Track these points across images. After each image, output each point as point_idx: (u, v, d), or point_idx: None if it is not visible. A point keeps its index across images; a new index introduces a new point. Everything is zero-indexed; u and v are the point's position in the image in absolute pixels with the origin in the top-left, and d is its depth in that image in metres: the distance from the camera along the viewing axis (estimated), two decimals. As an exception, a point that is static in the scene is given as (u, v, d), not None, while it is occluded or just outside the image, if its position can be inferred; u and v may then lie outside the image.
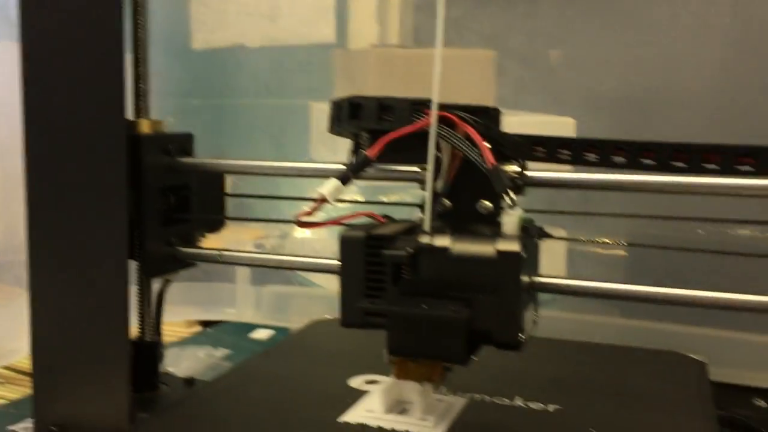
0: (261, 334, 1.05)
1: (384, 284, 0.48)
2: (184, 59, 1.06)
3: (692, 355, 0.67)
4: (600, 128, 0.85)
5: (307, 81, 1.01)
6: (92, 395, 0.58)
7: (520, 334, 0.46)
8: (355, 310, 0.48)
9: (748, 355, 0.80)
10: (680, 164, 0.53)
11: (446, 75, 0.93)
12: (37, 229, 0.58)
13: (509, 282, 0.45)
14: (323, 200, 0.48)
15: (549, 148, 0.57)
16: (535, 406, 0.55)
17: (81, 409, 0.58)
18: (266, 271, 1.07)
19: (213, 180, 0.67)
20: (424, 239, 0.47)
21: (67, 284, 0.57)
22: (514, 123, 0.55)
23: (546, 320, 0.90)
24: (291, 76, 1.01)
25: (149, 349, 0.65)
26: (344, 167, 0.51)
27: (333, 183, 0.48)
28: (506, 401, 0.56)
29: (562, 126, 0.86)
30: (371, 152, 0.49)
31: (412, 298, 0.46)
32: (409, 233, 0.48)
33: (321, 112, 0.54)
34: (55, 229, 0.57)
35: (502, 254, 0.45)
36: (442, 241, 0.47)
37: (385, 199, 0.61)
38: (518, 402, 0.56)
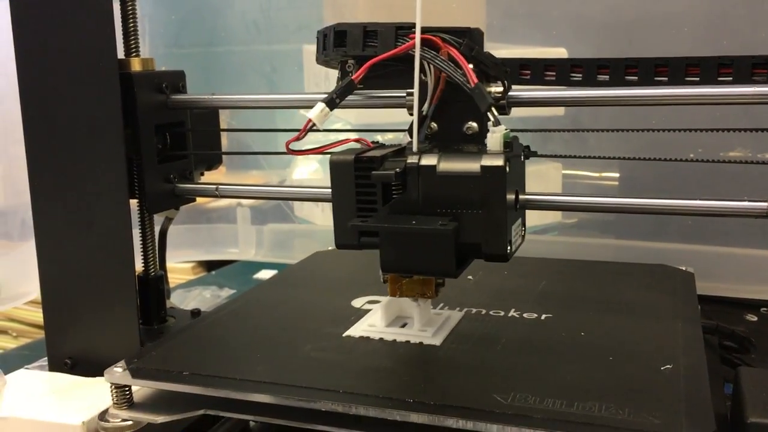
0: (266, 275, 1.07)
1: (375, 205, 0.49)
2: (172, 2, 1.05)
3: (680, 267, 0.68)
4: (589, 54, 0.85)
5: (297, 18, 1.01)
6: (102, 329, 0.60)
7: (507, 246, 0.47)
8: (347, 230, 0.49)
9: (739, 269, 0.82)
10: (662, 78, 0.55)
11: (436, 4, 0.93)
12: (38, 172, 0.59)
13: (494, 195, 0.46)
14: (311, 125, 0.49)
15: (534, 70, 0.58)
16: (528, 316, 0.57)
17: (92, 342, 0.60)
18: (266, 210, 1.08)
19: (207, 117, 0.68)
20: (412, 159, 0.48)
21: (72, 224, 0.59)
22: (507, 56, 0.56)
23: (547, 245, 0.92)
24: (280, 14, 1.01)
25: (154, 283, 0.67)
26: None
27: (319, 107, 0.49)
28: (501, 313, 0.58)
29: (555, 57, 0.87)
30: (355, 76, 0.50)
31: (402, 217, 0.48)
32: (397, 155, 0.49)
33: (313, 54, 0.55)
34: (56, 172, 0.58)
35: (486, 169, 0.46)
36: (429, 160, 0.48)
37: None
38: (513, 313, 0.58)
